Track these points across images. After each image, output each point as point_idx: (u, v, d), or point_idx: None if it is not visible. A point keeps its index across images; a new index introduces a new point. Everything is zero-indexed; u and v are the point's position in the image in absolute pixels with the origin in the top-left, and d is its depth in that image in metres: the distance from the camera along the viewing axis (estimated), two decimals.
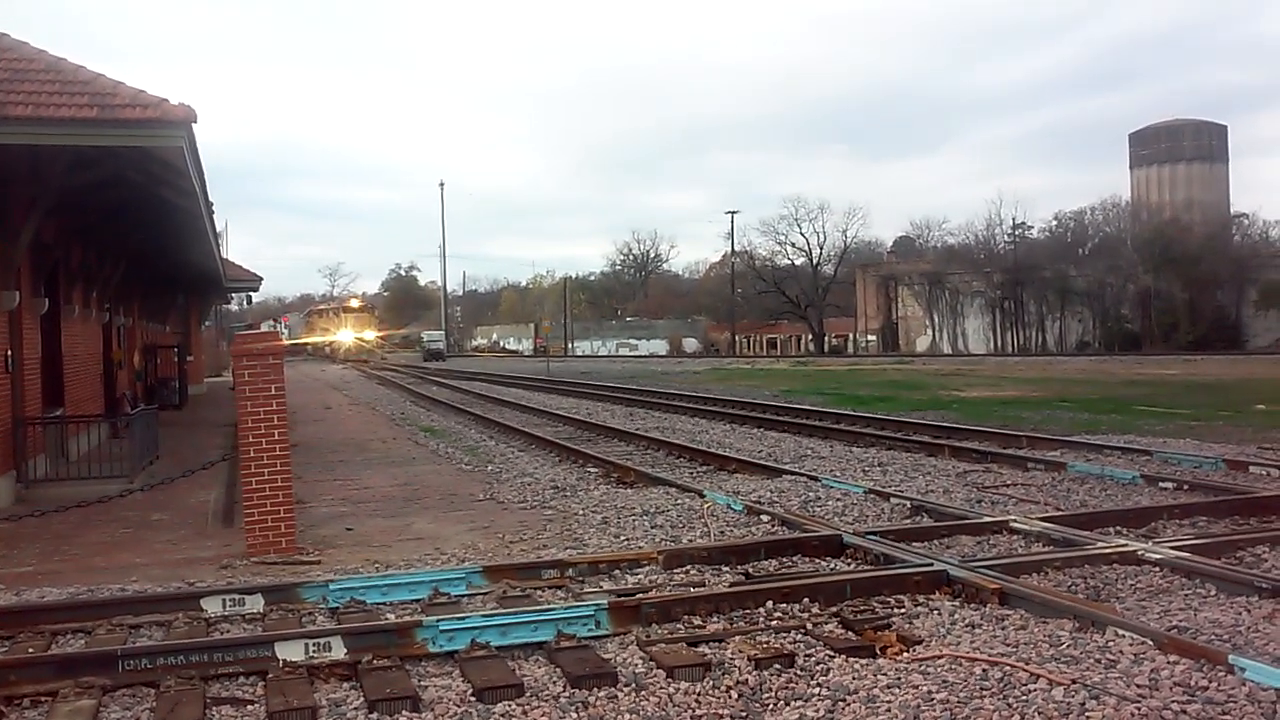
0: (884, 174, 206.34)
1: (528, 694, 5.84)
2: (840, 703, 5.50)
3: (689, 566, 8.84)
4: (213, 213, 20.24)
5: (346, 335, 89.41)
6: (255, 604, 7.93)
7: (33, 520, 11.82)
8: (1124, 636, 6.23)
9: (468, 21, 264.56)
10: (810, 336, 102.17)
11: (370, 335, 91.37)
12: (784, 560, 9.07)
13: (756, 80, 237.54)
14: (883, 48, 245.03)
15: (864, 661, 6.18)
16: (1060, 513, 10.84)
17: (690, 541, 10.02)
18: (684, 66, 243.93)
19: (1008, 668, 5.78)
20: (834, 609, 7.31)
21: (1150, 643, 6.08)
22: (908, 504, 11.41)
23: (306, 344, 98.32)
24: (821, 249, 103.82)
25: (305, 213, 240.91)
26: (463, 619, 6.86)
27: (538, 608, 7.30)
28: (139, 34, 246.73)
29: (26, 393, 15.20)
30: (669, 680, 5.99)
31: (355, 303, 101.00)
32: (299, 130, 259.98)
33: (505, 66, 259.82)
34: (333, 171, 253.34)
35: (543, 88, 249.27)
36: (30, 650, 6.89)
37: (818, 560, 9.07)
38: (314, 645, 6.50)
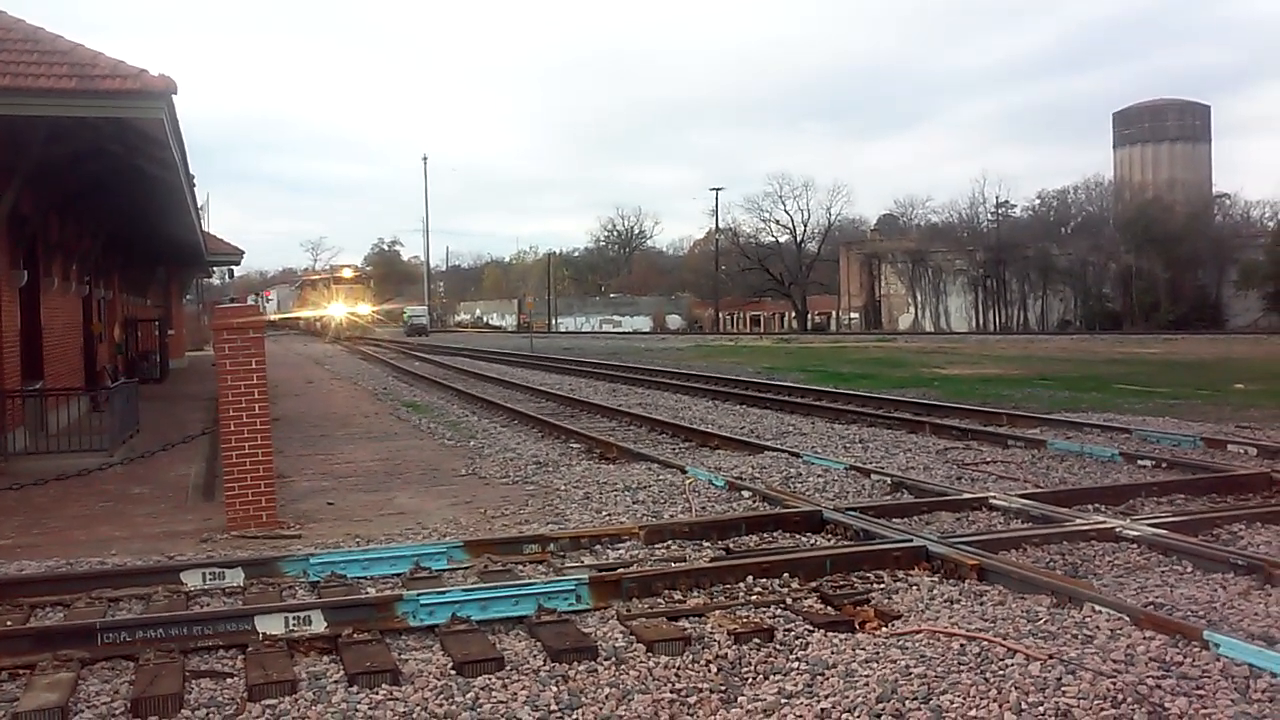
0: (868, 152, 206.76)
1: (508, 667, 5.85)
2: (819, 677, 5.53)
3: (670, 541, 8.87)
4: (194, 185, 20.13)
5: (338, 309, 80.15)
6: (235, 577, 7.91)
7: (11, 493, 11.75)
8: (1101, 612, 6.28)
9: None
10: (794, 314, 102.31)
11: (364, 309, 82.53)
12: (765, 536, 9.10)
13: (741, 57, 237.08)
14: (866, 25, 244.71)
15: (843, 636, 6.21)
16: (1039, 490, 10.90)
17: (671, 517, 10.05)
18: (668, 43, 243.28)
19: (985, 643, 5.82)
20: (814, 584, 7.34)
21: (1126, 619, 6.13)
22: (888, 480, 11.45)
23: (298, 319, 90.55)
24: (805, 226, 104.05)
25: (287, 187, 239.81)
26: (443, 593, 6.86)
27: (518, 582, 7.31)
28: (117, 5, 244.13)
29: (5, 365, 15.10)
30: (649, 654, 6.01)
31: (348, 273, 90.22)
32: (281, 104, 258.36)
33: (488, 42, 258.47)
34: (315, 146, 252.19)
35: (526, 63, 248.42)
36: (8, 623, 6.86)
37: (798, 536, 9.11)
38: (294, 619, 6.50)
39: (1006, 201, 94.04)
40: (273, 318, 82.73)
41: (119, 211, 21.73)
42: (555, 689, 5.52)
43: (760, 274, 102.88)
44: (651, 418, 19.11)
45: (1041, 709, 4.95)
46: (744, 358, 43.56)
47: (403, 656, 6.12)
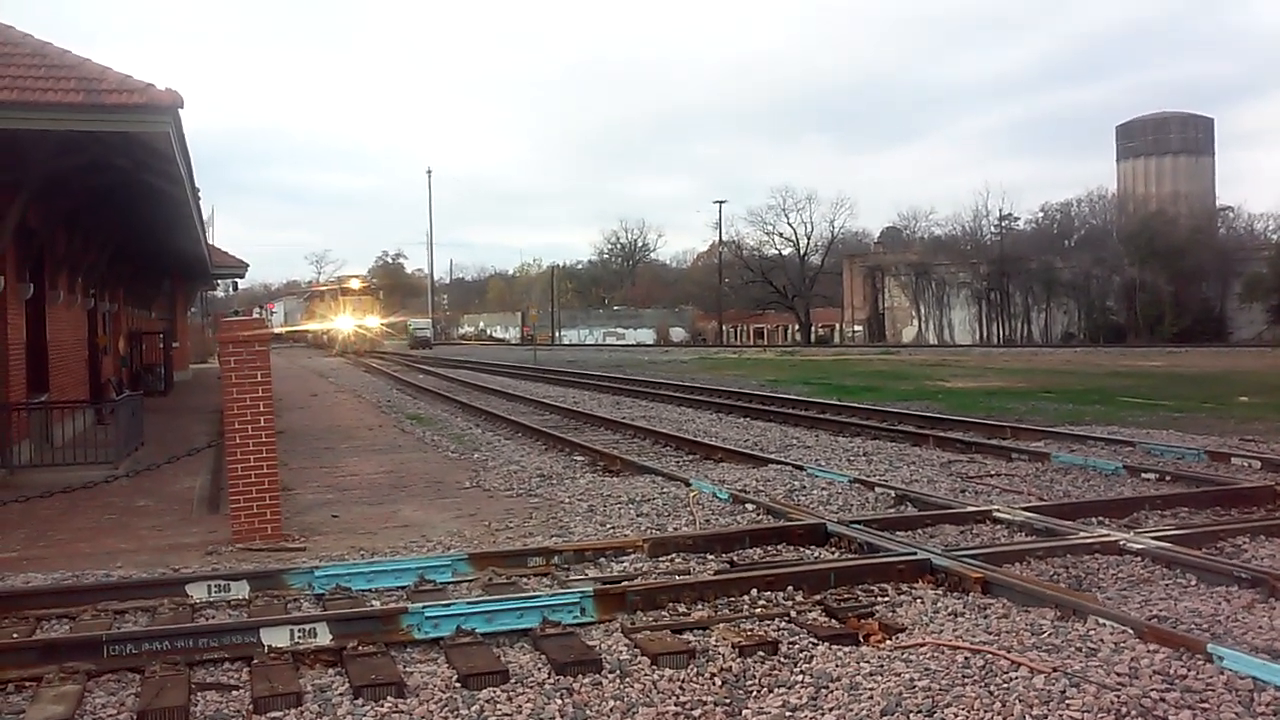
0: (871, 164, 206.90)
1: (513, 680, 5.87)
2: (823, 690, 5.54)
3: (674, 554, 8.88)
4: (199, 199, 20.18)
5: (345, 322, 74.11)
6: (240, 590, 7.93)
7: (17, 506, 11.78)
8: (1105, 625, 6.29)
9: (453, 8, 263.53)
10: (797, 326, 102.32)
11: (373, 322, 76.76)
12: (769, 548, 9.10)
13: (743, 69, 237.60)
14: (868, 37, 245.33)
15: (847, 649, 6.22)
16: (1043, 503, 10.91)
17: (676, 530, 10.06)
18: (671, 54, 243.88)
19: (989, 656, 5.83)
20: (818, 597, 7.35)
21: (1130, 632, 6.14)
22: (892, 493, 11.46)
23: (306, 332, 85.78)
24: (809, 239, 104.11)
25: (290, 199, 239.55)
26: (448, 606, 6.88)
27: (523, 595, 7.32)
28: (121, 16, 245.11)
29: (11, 378, 15.16)
30: (653, 667, 6.03)
31: (356, 283, 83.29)
32: (282, 116, 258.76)
33: (492, 54, 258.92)
34: (318, 158, 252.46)
35: (530, 75, 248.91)
36: (15, 635, 6.88)
37: (802, 549, 9.11)
38: (299, 631, 6.52)
39: (1010, 214, 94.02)
40: (278, 330, 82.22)
41: (125, 225, 21.81)
42: (560, 702, 5.53)
43: (764, 287, 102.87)
44: (655, 430, 19.12)
45: None
46: (747, 370, 43.56)
47: (408, 669, 6.14)
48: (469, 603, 7.02)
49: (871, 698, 5.34)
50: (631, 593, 7.23)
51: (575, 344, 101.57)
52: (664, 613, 7.08)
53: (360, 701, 5.60)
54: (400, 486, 13.68)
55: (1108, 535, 8.85)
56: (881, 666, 5.81)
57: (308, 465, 15.76)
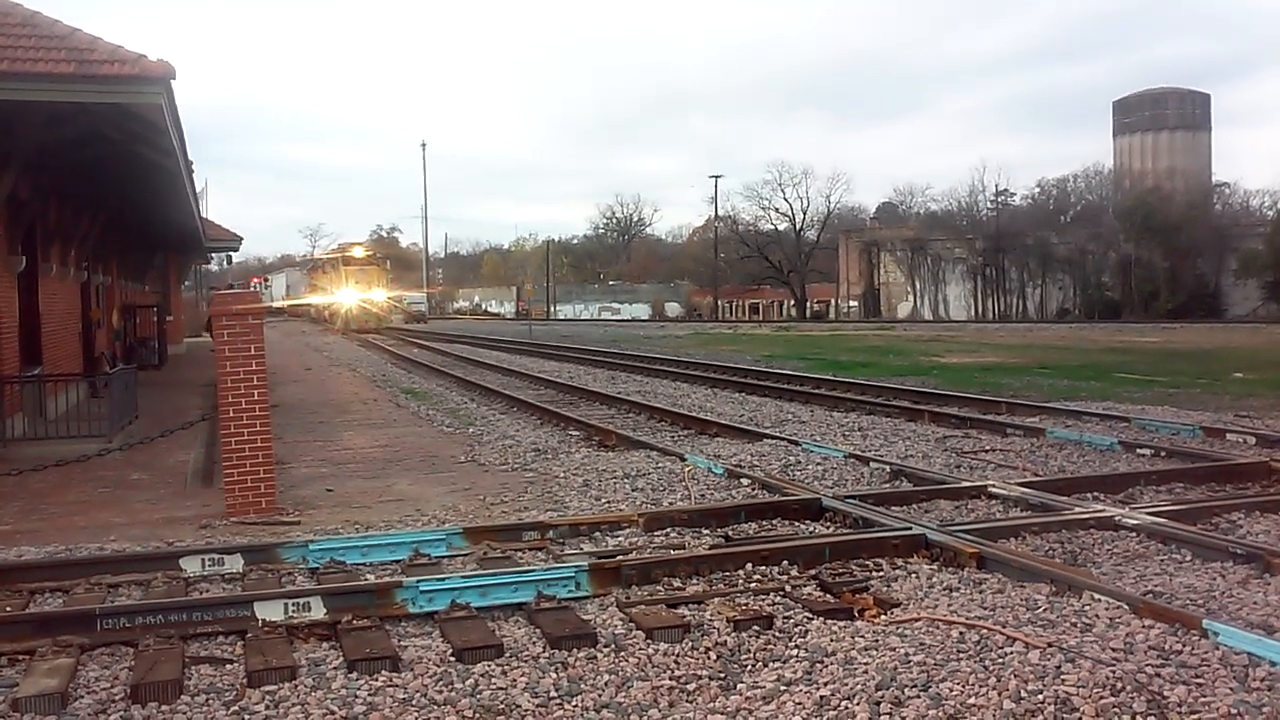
0: (867, 140, 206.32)
1: (507, 654, 5.86)
2: (818, 664, 5.54)
3: (669, 529, 8.87)
4: (192, 171, 20.09)
5: (348, 295, 66.95)
6: (234, 564, 7.92)
7: (10, 479, 11.75)
8: (1100, 601, 6.28)
9: None
10: (793, 302, 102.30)
11: (380, 295, 69.79)
12: (764, 523, 9.10)
13: (741, 43, 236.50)
14: (866, 11, 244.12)
15: (842, 624, 6.22)
16: (1038, 478, 10.91)
17: (671, 504, 10.04)
18: (667, 29, 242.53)
19: (984, 631, 5.83)
20: (813, 572, 7.35)
21: (1126, 607, 6.14)
22: (887, 468, 11.45)
23: (308, 306, 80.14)
24: (805, 214, 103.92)
25: (286, 173, 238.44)
26: (443, 580, 6.87)
27: (518, 569, 7.32)
28: None
29: (3, 351, 15.09)
30: (648, 641, 6.02)
31: (359, 252, 75.75)
32: (279, 89, 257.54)
33: (487, 29, 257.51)
34: (314, 131, 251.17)
35: (526, 51, 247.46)
36: (8, 609, 6.86)
37: (797, 523, 9.12)
38: (293, 605, 6.50)
39: (1006, 190, 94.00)
40: (277, 304, 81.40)
41: (118, 197, 21.68)
42: (555, 676, 5.53)
43: (759, 262, 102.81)
44: (650, 405, 19.11)
45: (1040, 697, 4.95)
46: (743, 345, 43.53)
47: (402, 643, 6.13)
48: (464, 577, 7.01)
49: (866, 672, 5.34)
50: (626, 567, 7.23)
51: (570, 319, 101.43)
52: (659, 587, 7.07)
53: (355, 675, 5.59)
54: (395, 461, 13.65)
55: (1103, 511, 8.86)
56: (876, 641, 5.81)
57: (302, 439, 15.73)
